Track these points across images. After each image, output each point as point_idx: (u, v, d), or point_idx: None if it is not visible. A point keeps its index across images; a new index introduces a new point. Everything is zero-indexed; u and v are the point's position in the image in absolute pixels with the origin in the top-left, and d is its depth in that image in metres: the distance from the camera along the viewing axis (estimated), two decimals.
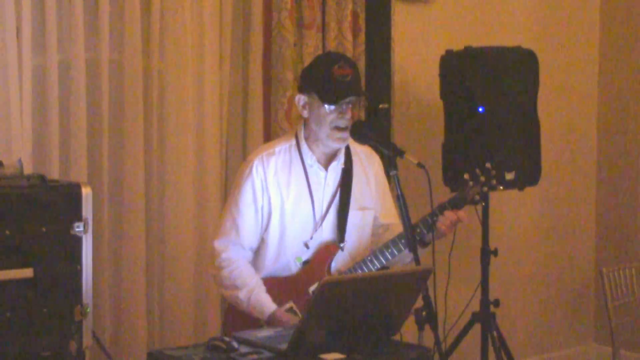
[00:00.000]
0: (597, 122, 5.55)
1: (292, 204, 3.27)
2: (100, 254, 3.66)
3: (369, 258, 3.28)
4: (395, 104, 4.57)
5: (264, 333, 2.88)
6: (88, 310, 2.89)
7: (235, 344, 2.71)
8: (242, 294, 3.19)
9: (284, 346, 2.67)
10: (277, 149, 3.31)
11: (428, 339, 2.86)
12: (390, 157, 3.03)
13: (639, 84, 5.36)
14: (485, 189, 3.35)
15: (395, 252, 3.25)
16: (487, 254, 4.28)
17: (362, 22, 4.36)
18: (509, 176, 4.03)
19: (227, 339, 2.75)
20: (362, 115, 4.29)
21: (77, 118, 3.67)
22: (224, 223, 3.29)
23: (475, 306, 4.28)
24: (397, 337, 2.88)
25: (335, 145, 3.27)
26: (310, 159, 3.29)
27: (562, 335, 5.50)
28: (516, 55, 4.36)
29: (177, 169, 3.93)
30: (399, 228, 3.30)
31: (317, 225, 3.30)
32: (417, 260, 2.96)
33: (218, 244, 3.27)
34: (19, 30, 3.51)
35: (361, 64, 4.31)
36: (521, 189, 4.35)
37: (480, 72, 4.26)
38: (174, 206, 3.93)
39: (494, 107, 4.24)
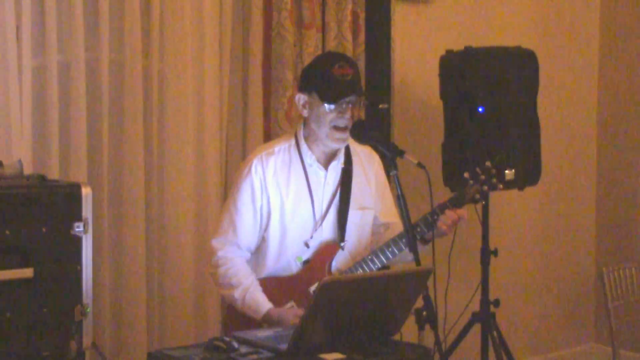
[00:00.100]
0: (597, 122, 5.55)
1: (292, 204, 3.27)
2: (100, 254, 3.66)
3: (370, 257, 3.28)
4: (395, 104, 4.57)
5: (264, 333, 2.88)
6: (88, 310, 2.89)
7: (235, 344, 2.71)
8: (237, 293, 3.19)
9: (284, 346, 2.67)
10: (276, 149, 3.31)
11: (428, 339, 2.85)
12: (390, 157, 3.03)
13: (639, 84, 5.36)
14: (486, 187, 3.35)
15: (396, 251, 3.25)
16: (487, 254, 4.29)
17: (362, 22, 4.36)
18: (509, 176, 4.03)
19: (227, 339, 2.75)
20: (362, 115, 4.29)
21: (77, 118, 3.67)
22: (222, 222, 3.30)
23: (475, 306, 4.28)
24: (397, 337, 2.88)
25: (334, 145, 3.27)
26: (309, 158, 3.29)
27: (562, 335, 5.50)
28: (516, 55, 4.37)
29: (177, 169, 3.93)
30: (399, 226, 3.30)
31: (317, 224, 3.30)
32: (417, 260, 2.96)
33: (215, 243, 3.28)
34: (19, 30, 3.51)
35: (361, 64, 4.31)
36: (521, 188, 4.36)
37: (480, 72, 4.26)
38: (174, 206, 3.93)
39: (494, 107, 4.24)
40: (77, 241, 2.87)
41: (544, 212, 5.39)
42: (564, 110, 5.41)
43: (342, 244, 3.31)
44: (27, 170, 3.27)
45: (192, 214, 3.97)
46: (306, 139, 3.30)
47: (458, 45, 4.36)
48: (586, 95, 5.52)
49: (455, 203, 3.27)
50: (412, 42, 4.72)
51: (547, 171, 4.64)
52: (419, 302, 2.84)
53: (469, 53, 4.30)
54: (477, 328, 4.32)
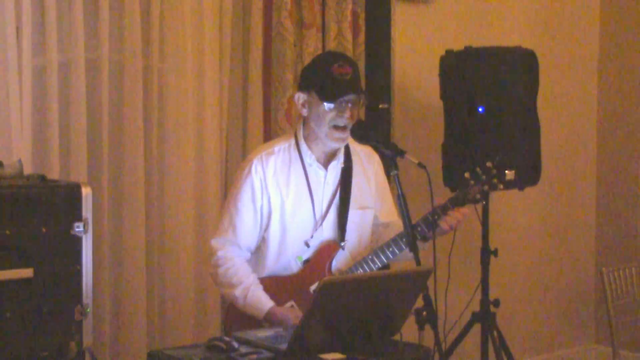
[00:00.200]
0: (597, 122, 5.56)
1: (292, 203, 3.27)
2: (100, 254, 3.66)
3: (370, 257, 3.28)
4: (395, 104, 4.57)
5: (264, 333, 2.88)
6: (88, 310, 2.89)
7: (235, 344, 2.71)
8: (238, 292, 3.19)
9: (284, 346, 2.67)
10: (276, 149, 3.31)
11: (428, 339, 2.85)
12: (390, 157, 3.03)
13: (639, 84, 5.36)
14: (486, 187, 3.34)
15: (397, 251, 3.25)
16: (487, 254, 4.28)
17: (362, 22, 4.36)
18: (509, 176, 4.03)
19: (227, 339, 2.75)
20: (362, 115, 4.28)
21: (77, 118, 3.67)
22: (222, 222, 3.30)
23: (475, 306, 4.28)
24: (397, 337, 2.88)
25: (334, 144, 3.27)
26: (309, 158, 3.29)
27: (562, 335, 5.50)
28: (516, 55, 4.36)
29: (177, 169, 3.93)
30: (399, 226, 3.30)
31: (318, 224, 3.30)
32: (417, 260, 2.96)
33: (215, 242, 3.28)
34: (19, 30, 3.51)
35: (361, 64, 4.32)
36: (521, 188, 4.35)
37: (480, 72, 4.26)
38: (174, 206, 3.93)
39: (494, 107, 4.24)
40: (77, 241, 2.87)
41: (544, 212, 5.39)
42: (564, 110, 5.41)
43: (342, 244, 3.31)
44: (27, 170, 3.26)
45: (192, 213, 3.97)
46: (306, 138, 3.30)
47: (458, 45, 4.36)
48: (586, 95, 5.52)
49: (456, 203, 3.27)
50: (412, 42, 4.72)
51: (547, 171, 4.64)
52: (419, 302, 2.84)
53: (469, 53, 4.30)
54: (477, 328, 4.32)
